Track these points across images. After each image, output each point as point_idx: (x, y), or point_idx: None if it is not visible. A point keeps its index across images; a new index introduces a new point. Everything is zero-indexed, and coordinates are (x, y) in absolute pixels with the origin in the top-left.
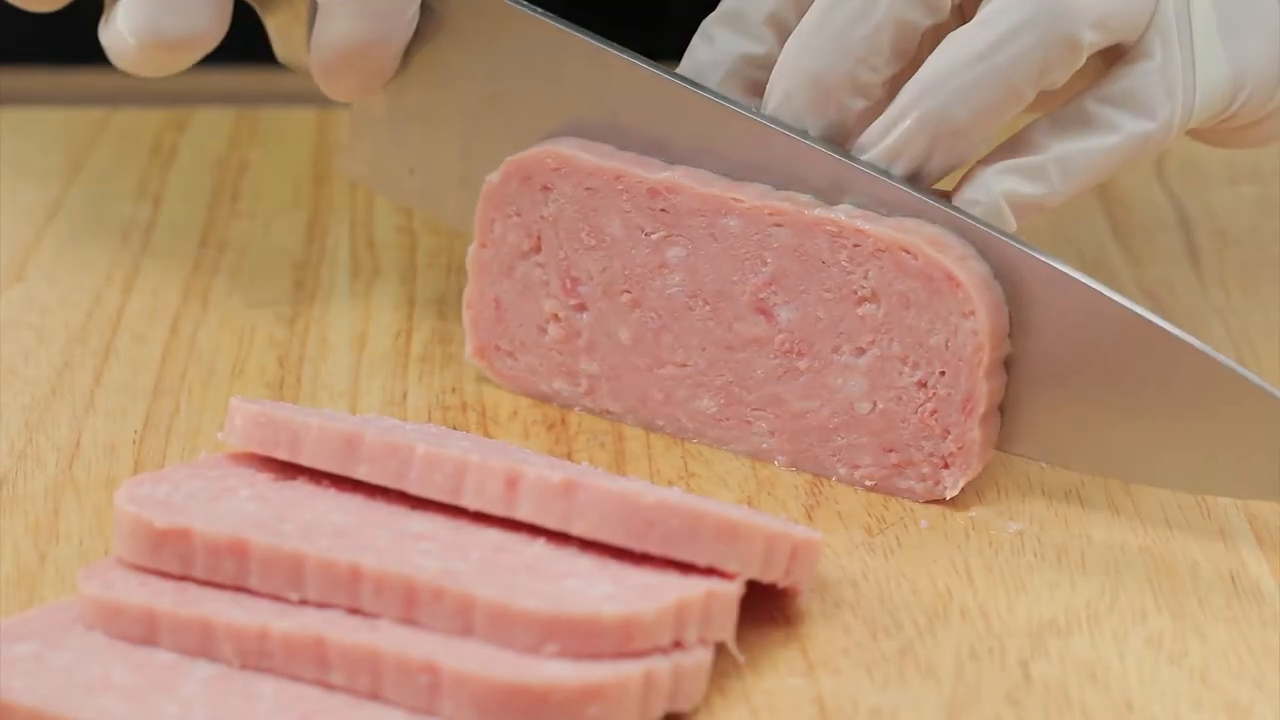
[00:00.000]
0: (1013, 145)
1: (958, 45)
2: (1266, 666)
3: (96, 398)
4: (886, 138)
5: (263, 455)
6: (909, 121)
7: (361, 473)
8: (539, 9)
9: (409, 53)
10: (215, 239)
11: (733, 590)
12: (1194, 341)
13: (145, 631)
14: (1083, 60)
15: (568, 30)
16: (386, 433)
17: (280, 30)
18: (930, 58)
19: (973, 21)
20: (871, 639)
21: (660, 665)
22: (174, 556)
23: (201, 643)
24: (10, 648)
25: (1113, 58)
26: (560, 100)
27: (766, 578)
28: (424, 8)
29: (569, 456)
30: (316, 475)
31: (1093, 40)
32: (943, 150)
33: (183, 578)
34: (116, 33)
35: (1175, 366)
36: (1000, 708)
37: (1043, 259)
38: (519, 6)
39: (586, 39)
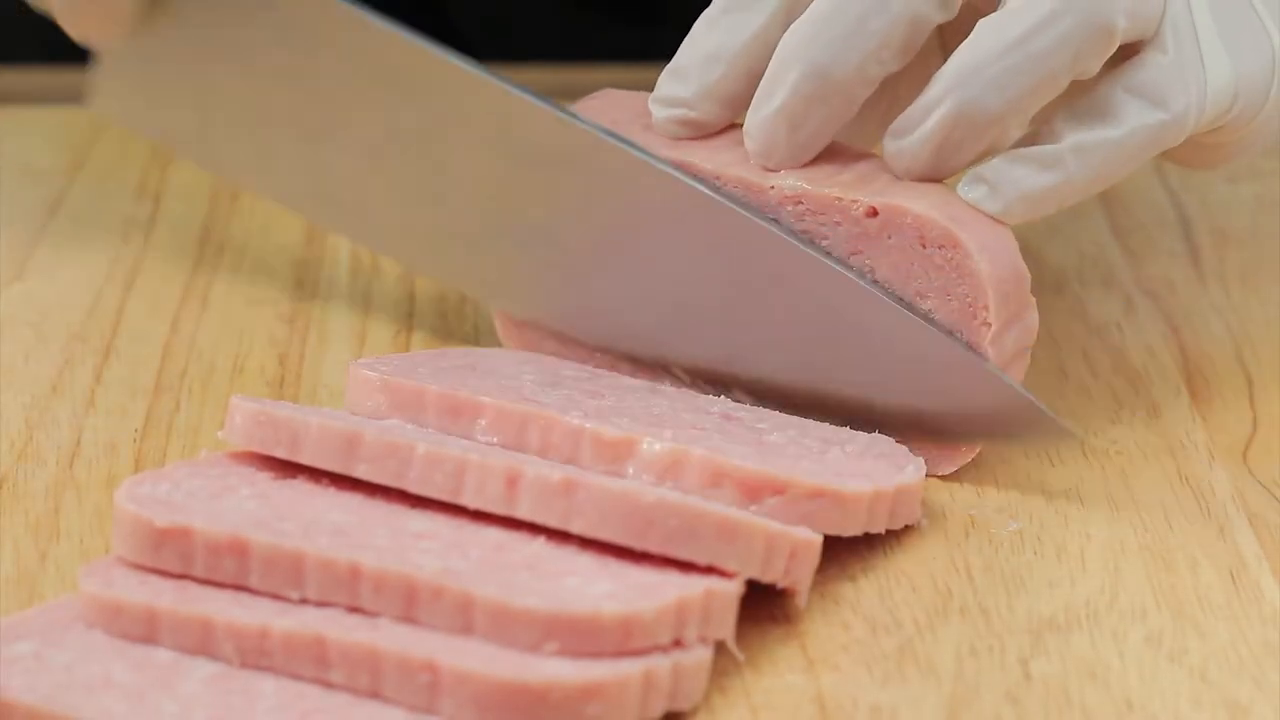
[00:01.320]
0: (1029, 135)
1: (991, 32)
2: (1266, 665)
3: (97, 396)
4: (921, 125)
5: (263, 454)
6: (943, 109)
7: (361, 471)
8: None
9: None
10: (215, 237)
11: (732, 588)
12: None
13: (145, 630)
14: (1115, 48)
15: None
16: (386, 431)
17: None
18: (963, 45)
19: (1005, 9)
20: (871, 636)
21: (660, 663)
22: (174, 555)
23: (202, 641)
24: (10, 646)
25: (1124, 54)
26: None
27: (766, 577)
28: None
29: None
30: (317, 474)
31: (1125, 28)
32: (974, 138)
33: (183, 576)
34: None
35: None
36: (1000, 706)
37: None
38: None
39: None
